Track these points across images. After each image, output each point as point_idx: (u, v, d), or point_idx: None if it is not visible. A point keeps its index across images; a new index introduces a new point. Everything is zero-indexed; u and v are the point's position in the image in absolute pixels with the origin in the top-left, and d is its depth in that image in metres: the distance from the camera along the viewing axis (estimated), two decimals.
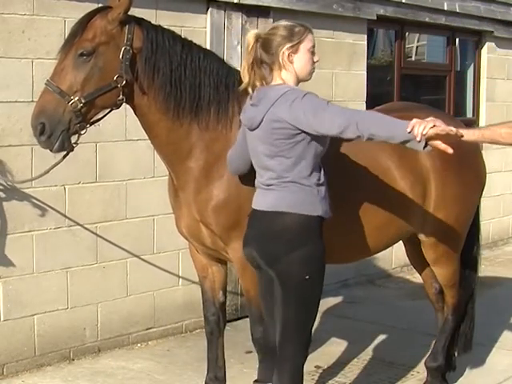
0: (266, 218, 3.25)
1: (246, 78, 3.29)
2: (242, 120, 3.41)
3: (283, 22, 3.29)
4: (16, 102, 4.84)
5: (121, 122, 5.09)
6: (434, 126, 2.89)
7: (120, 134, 5.36)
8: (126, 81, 3.51)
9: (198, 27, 5.79)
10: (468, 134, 3.02)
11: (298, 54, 3.25)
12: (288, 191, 3.21)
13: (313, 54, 3.29)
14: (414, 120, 2.94)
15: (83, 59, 3.48)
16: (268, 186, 3.26)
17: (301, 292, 3.21)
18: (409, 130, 2.91)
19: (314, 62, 3.31)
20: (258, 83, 3.28)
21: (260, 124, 3.22)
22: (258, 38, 3.27)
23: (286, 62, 3.24)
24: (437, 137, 2.91)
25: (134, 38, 3.56)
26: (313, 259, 3.23)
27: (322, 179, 3.27)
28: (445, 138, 2.92)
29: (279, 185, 3.22)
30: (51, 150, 3.54)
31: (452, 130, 2.90)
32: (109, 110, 3.66)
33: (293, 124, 3.12)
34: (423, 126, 2.89)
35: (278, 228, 3.21)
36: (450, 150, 2.95)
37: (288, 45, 3.22)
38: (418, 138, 2.90)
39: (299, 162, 3.19)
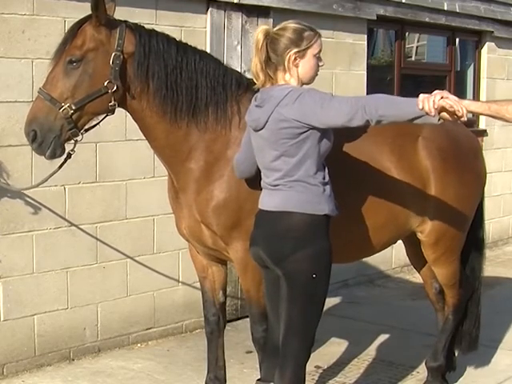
0: (272, 218, 3.26)
1: (260, 76, 3.28)
2: (247, 121, 3.41)
3: (293, 24, 3.27)
4: (16, 101, 4.84)
5: (121, 122, 5.09)
6: (442, 97, 2.89)
7: (120, 134, 5.36)
8: (117, 86, 3.52)
9: (198, 27, 5.79)
10: (475, 106, 3.02)
11: (305, 60, 3.25)
12: (294, 191, 3.22)
13: (318, 59, 3.30)
14: (421, 96, 2.93)
15: (73, 66, 3.49)
16: (275, 186, 3.27)
17: (307, 290, 3.22)
18: (420, 107, 2.91)
19: (318, 67, 3.31)
20: (268, 82, 3.29)
21: (265, 124, 3.22)
22: (267, 35, 3.26)
23: (291, 65, 3.24)
24: (444, 110, 2.91)
25: (125, 43, 3.54)
26: (320, 258, 3.24)
27: (327, 178, 3.28)
28: (451, 111, 2.92)
29: (285, 184, 3.23)
30: (45, 157, 3.55)
31: (460, 109, 2.89)
32: (104, 115, 3.66)
33: (300, 120, 3.12)
34: (432, 100, 2.88)
35: (285, 227, 3.22)
36: (463, 119, 2.95)
37: (295, 49, 3.22)
38: (433, 113, 2.89)
39: (305, 161, 3.19)
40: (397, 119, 3.07)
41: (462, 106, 2.90)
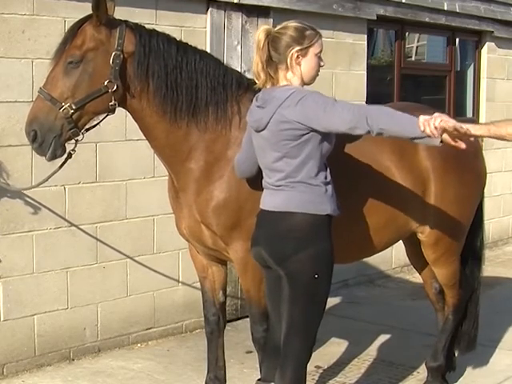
0: (275, 218, 3.26)
1: (261, 75, 3.28)
2: (248, 122, 3.41)
3: (294, 23, 3.27)
4: (16, 101, 4.84)
5: (121, 122, 5.09)
6: (442, 120, 2.89)
7: (120, 134, 5.36)
8: (117, 86, 3.52)
9: (198, 27, 5.79)
10: (474, 129, 3.02)
11: (307, 58, 3.25)
12: (297, 191, 3.22)
13: (319, 58, 3.30)
14: (422, 117, 2.93)
15: (73, 66, 3.49)
16: (277, 186, 3.26)
17: (309, 290, 3.22)
18: (422, 129, 2.91)
19: (319, 67, 3.31)
20: (269, 81, 3.28)
21: (267, 125, 3.22)
22: (268, 34, 3.26)
23: (294, 64, 3.24)
24: (445, 132, 2.91)
25: (125, 43, 3.55)
26: (322, 258, 3.24)
27: (329, 177, 3.28)
28: (452, 133, 2.92)
29: (288, 185, 3.23)
30: (46, 158, 3.55)
31: (461, 126, 2.90)
32: (104, 115, 3.67)
33: (302, 123, 3.12)
34: (433, 123, 2.88)
35: (287, 227, 3.22)
36: (462, 146, 2.96)
37: (297, 47, 3.22)
38: (437, 135, 2.89)
39: (307, 162, 3.19)
40: (397, 135, 3.08)
41: (463, 125, 2.91)
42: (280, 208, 3.24)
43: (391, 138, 3.19)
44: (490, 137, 3.11)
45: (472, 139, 3.09)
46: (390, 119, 3.04)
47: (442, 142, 2.95)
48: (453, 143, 2.95)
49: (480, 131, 3.06)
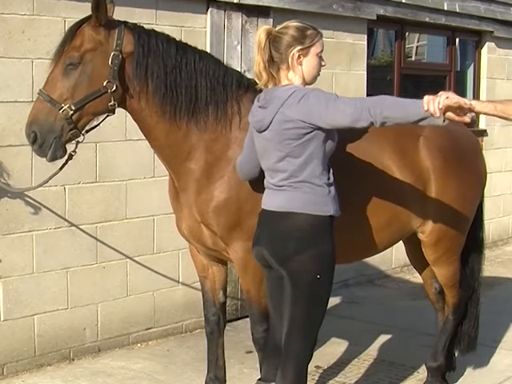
0: (277, 218, 3.25)
1: (263, 75, 3.27)
2: (250, 122, 3.40)
3: (295, 23, 3.27)
4: (16, 101, 4.84)
5: (121, 122, 5.09)
6: (447, 97, 2.87)
7: (120, 134, 5.36)
8: (116, 86, 3.52)
9: (198, 27, 5.79)
10: (481, 106, 2.99)
11: (308, 58, 3.25)
12: (300, 192, 3.21)
13: (321, 58, 3.30)
14: (426, 97, 2.91)
15: (72, 67, 3.50)
16: (279, 186, 3.26)
17: (311, 291, 3.22)
18: (425, 108, 2.89)
19: (320, 67, 3.31)
20: (271, 81, 3.28)
21: (269, 125, 3.21)
22: (269, 34, 3.26)
23: (295, 63, 3.24)
24: (449, 109, 2.89)
25: (123, 43, 3.55)
26: (324, 258, 3.24)
27: (332, 178, 3.28)
28: (457, 110, 2.89)
29: (291, 185, 3.23)
30: (47, 159, 3.55)
31: (465, 102, 2.89)
32: (104, 115, 3.67)
33: (305, 120, 3.12)
34: (437, 101, 2.87)
35: (290, 228, 3.22)
36: (467, 119, 2.93)
37: (299, 47, 3.22)
38: (438, 114, 2.87)
39: (311, 161, 3.19)
40: (401, 121, 3.05)
41: (467, 101, 2.89)
42: (282, 208, 3.24)
43: (395, 126, 3.16)
44: (496, 115, 3.02)
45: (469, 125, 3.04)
46: (393, 106, 3.02)
47: (445, 120, 2.92)
48: (457, 119, 2.91)
49: (486, 108, 3.00)
